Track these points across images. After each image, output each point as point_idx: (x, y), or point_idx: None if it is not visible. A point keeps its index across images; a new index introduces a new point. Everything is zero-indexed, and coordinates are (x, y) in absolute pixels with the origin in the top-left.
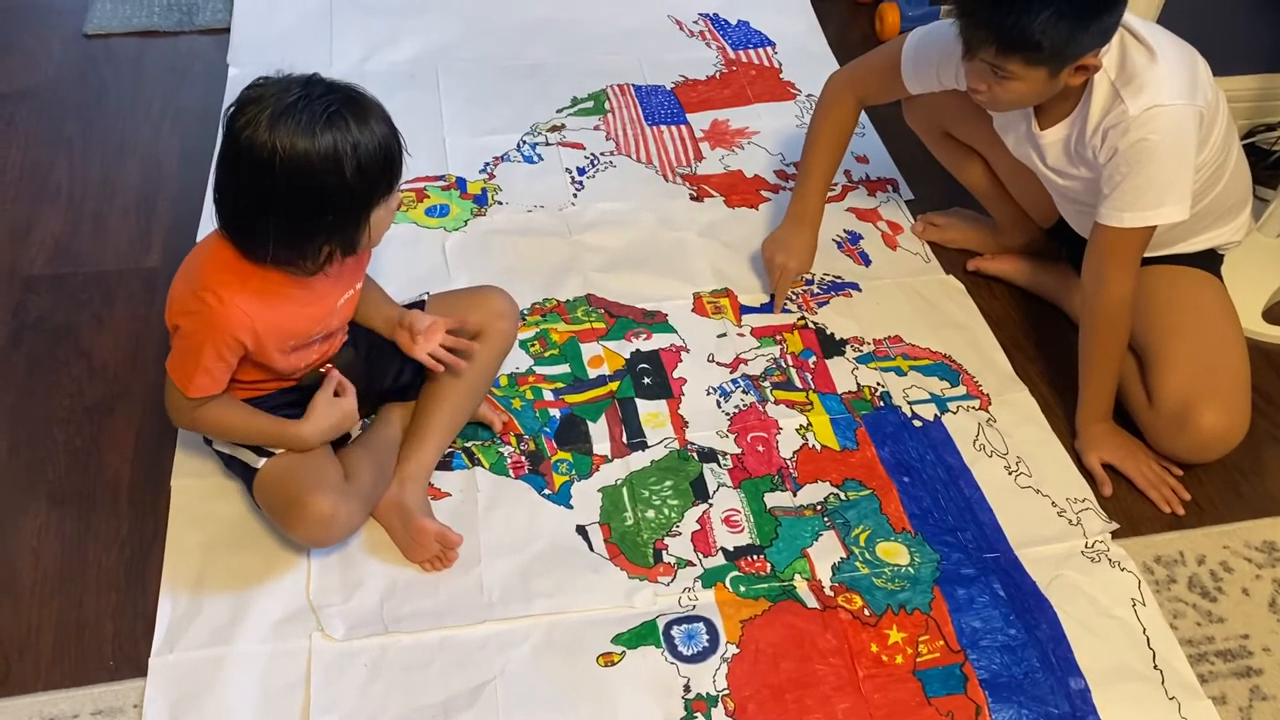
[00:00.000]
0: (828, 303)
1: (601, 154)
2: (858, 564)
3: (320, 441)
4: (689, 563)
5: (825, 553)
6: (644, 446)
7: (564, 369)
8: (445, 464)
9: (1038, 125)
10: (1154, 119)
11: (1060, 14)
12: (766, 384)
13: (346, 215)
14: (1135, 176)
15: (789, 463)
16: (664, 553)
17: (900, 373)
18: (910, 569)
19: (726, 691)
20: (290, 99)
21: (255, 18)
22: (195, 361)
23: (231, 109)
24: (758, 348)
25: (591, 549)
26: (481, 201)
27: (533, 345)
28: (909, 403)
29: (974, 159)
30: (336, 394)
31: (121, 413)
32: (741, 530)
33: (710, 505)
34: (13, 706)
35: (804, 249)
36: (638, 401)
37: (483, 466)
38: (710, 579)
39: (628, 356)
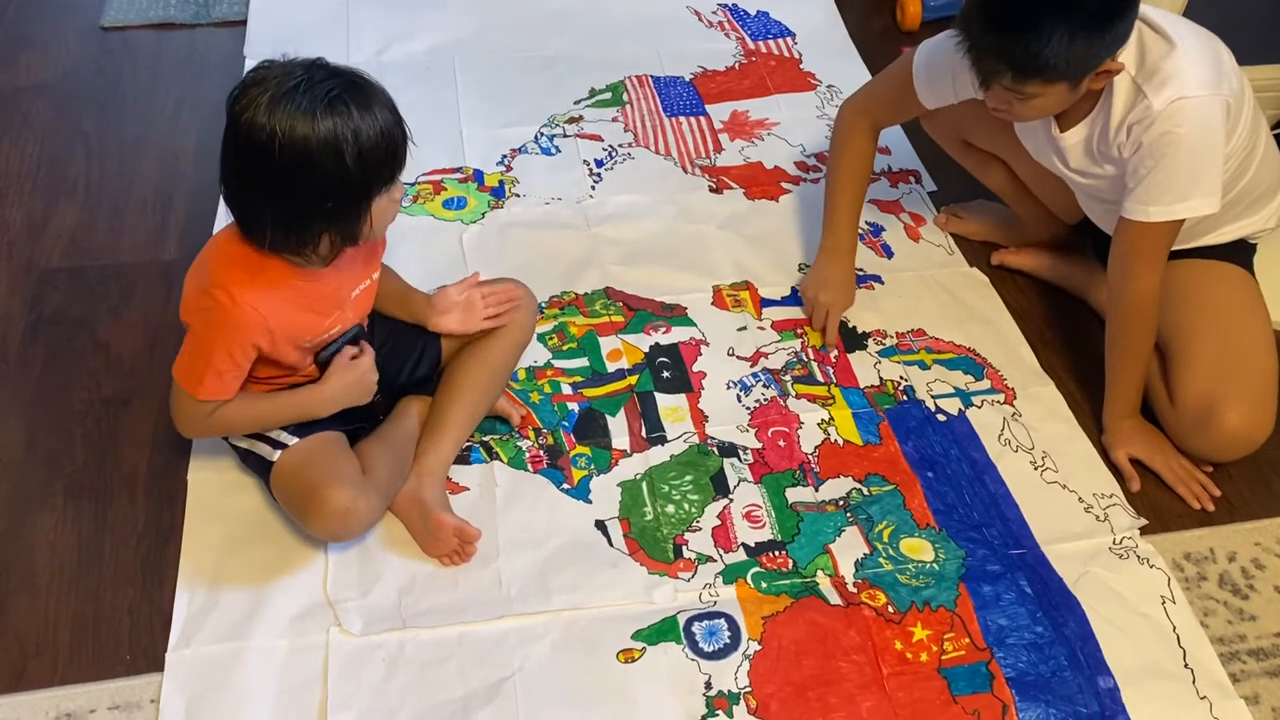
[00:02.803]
0: None
1: (620, 146)
2: (881, 560)
3: (343, 399)
4: (710, 558)
5: (848, 549)
6: (663, 441)
7: (583, 362)
8: (463, 458)
9: (1057, 129)
10: (1179, 111)
11: (1073, 31)
12: (787, 378)
13: (346, 203)
14: (1160, 170)
15: (811, 457)
16: (684, 548)
17: (924, 366)
18: (935, 565)
19: (748, 689)
20: (292, 82)
21: (272, 10)
22: (205, 361)
23: (235, 91)
24: (778, 341)
25: (611, 544)
26: (499, 194)
27: (551, 338)
28: (933, 397)
29: (996, 164)
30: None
31: (139, 406)
32: (763, 526)
33: (731, 500)
34: (30, 701)
35: (843, 283)
36: (657, 395)
37: (501, 460)
38: (731, 575)
39: (647, 350)
